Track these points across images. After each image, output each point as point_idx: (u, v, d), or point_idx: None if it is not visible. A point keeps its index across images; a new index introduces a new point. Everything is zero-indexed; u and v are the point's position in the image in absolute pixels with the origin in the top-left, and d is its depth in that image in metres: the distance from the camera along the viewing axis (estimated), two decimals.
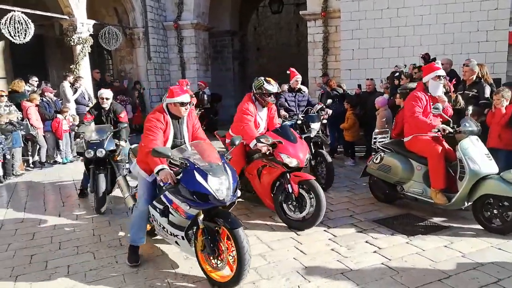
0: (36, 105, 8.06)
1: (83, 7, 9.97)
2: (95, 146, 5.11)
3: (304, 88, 7.28)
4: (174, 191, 3.14)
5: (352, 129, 7.58)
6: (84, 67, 10.05)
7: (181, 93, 3.47)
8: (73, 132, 8.81)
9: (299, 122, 6.16)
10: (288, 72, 6.91)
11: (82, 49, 9.92)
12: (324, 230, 4.33)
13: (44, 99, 8.32)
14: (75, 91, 9.20)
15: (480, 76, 5.84)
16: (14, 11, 8.11)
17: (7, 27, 7.98)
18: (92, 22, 10.26)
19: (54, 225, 4.84)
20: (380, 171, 5.00)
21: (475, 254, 3.60)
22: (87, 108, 9.26)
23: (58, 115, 8.28)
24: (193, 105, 8.81)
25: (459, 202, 4.28)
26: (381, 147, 5.20)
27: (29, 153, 8.35)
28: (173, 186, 3.12)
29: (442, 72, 4.68)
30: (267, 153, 4.36)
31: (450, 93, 5.76)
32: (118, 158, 5.64)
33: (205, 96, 11.94)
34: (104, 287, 3.30)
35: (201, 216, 3.13)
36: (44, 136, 8.17)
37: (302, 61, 16.84)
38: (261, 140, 4.27)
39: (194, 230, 3.26)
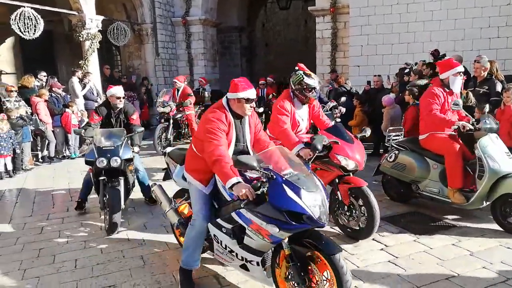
0: (45, 101, 8.12)
1: (92, 2, 10.02)
2: (108, 153, 4.32)
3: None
4: (254, 209, 2.54)
5: (360, 126, 7.53)
6: (92, 63, 10.10)
7: (247, 87, 2.91)
8: (77, 136, 8.84)
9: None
10: (296, 68, 6.80)
11: (91, 44, 9.96)
12: (331, 228, 4.31)
13: (53, 94, 8.38)
14: (83, 87, 9.26)
15: (491, 72, 5.76)
16: (24, 7, 8.16)
17: (17, 23, 8.04)
18: (101, 18, 10.30)
19: (62, 219, 4.89)
20: (394, 169, 4.84)
21: (484, 253, 3.56)
22: (96, 104, 9.35)
23: (67, 109, 8.33)
24: (190, 103, 8.73)
25: (477, 202, 4.17)
26: (395, 145, 5.01)
27: (38, 148, 8.42)
28: (251, 202, 2.53)
29: (461, 68, 4.54)
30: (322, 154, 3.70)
31: (460, 90, 5.68)
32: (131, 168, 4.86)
33: (206, 93, 11.62)
34: (111, 282, 3.33)
35: (286, 239, 2.57)
36: (53, 131, 8.24)
37: (310, 57, 16.72)
38: (317, 143, 3.44)
39: (271, 254, 2.76)
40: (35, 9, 8.37)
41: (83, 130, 4.82)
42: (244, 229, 2.67)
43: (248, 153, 3.06)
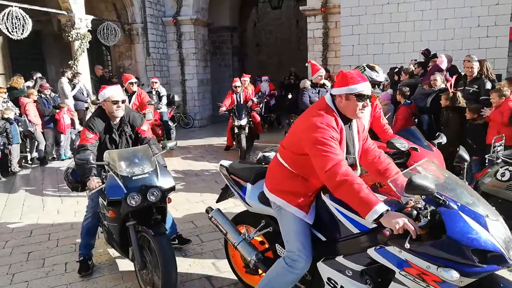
0: (34, 101, 8.02)
1: (81, 2, 9.90)
2: (141, 184, 2.92)
3: (327, 82, 6.65)
4: (415, 248, 1.85)
5: None
6: (82, 63, 9.99)
7: (360, 79, 2.28)
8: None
9: None
10: (307, 64, 6.56)
11: (81, 45, 9.85)
12: None
13: (43, 95, 8.27)
14: (73, 87, 9.15)
15: (482, 72, 5.81)
16: (12, 6, 8.04)
17: (5, 23, 7.91)
18: (91, 17, 10.19)
19: (51, 222, 4.82)
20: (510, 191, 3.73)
21: None
22: (86, 105, 9.26)
23: (57, 110, 8.23)
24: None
25: None
26: (507, 159, 3.89)
27: (28, 149, 8.31)
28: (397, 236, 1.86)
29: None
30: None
31: (449, 90, 5.72)
32: None
33: (160, 97, 9.27)
34: (101, 285, 3.28)
35: None
36: (42, 133, 8.13)
37: (302, 57, 16.74)
38: (396, 144, 3.06)
39: None
40: (23, 8, 8.25)
41: (76, 155, 3.22)
42: (389, 272, 2.00)
43: (356, 167, 2.43)
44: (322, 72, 6.05)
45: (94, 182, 3.06)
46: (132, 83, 6.82)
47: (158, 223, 3.05)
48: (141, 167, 3.02)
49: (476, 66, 5.76)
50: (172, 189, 3.08)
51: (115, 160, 3.04)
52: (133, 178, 2.93)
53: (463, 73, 6.36)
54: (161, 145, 3.48)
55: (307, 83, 6.50)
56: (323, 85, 6.16)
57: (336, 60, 11.30)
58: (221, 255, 3.69)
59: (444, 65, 6.98)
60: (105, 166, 3.07)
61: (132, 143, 3.51)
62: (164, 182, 3.00)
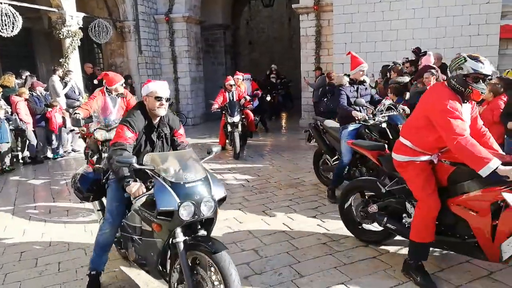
0: (26, 100, 7.93)
1: None
2: (195, 193, 2.49)
3: (367, 78, 5.65)
4: None
5: None
6: (73, 61, 9.89)
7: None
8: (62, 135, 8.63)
9: (383, 124, 4.76)
10: (347, 55, 5.57)
11: (72, 42, 9.76)
12: (318, 225, 4.33)
13: (34, 93, 8.19)
14: (65, 85, 9.07)
15: None
16: (1, 3, 7.93)
17: None
18: (82, 15, 10.10)
19: (44, 221, 4.78)
20: None
21: None
22: (77, 103, 9.17)
23: (49, 109, 8.15)
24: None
25: None
26: None
27: (19, 148, 8.23)
28: None
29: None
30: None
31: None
32: None
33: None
34: None
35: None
36: (34, 131, 8.05)
37: (294, 55, 16.78)
38: None
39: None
40: (13, 5, 8.14)
41: (122, 158, 2.58)
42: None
43: None
44: (365, 66, 5.08)
45: (138, 188, 2.60)
46: (121, 84, 5.38)
47: (208, 238, 2.55)
48: (193, 173, 2.58)
49: None
50: (224, 199, 2.71)
51: (160, 164, 2.61)
52: (186, 185, 2.48)
53: None
54: (206, 150, 3.10)
55: (344, 80, 5.35)
56: (362, 82, 5.18)
57: (329, 58, 11.34)
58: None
59: (430, 62, 7.08)
60: (148, 171, 2.57)
61: (167, 145, 3.14)
62: (217, 191, 2.62)
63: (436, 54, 7.59)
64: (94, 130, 5.02)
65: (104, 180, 3.21)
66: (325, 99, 8.92)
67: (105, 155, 4.80)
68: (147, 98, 2.95)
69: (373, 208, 3.60)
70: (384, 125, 4.77)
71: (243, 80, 9.69)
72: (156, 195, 2.46)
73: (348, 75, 5.28)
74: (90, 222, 4.65)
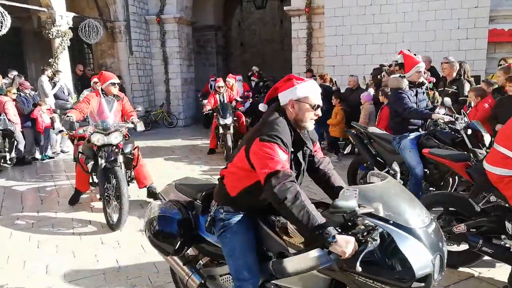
0: (13, 100, 7.83)
1: None
2: (439, 241, 1.89)
3: (425, 80, 5.00)
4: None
5: (339, 125, 7.61)
6: (63, 61, 9.79)
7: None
8: (48, 135, 8.53)
9: (468, 131, 4.06)
10: (398, 56, 5.13)
11: (61, 42, 9.66)
12: None
13: (22, 93, 8.08)
14: (53, 86, 8.97)
15: (460, 73, 5.97)
16: None
17: None
18: (72, 14, 10.01)
19: (32, 223, 4.72)
20: None
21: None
22: (68, 104, 9.07)
23: (37, 108, 8.05)
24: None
25: None
26: None
27: (6, 149, 8.10)
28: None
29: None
30: None
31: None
32: None
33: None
34: (84, 287, 3.23)
35: None
36: (22, 132, 7.95)
37: (286, 57, 16.80)
38: None
39: None
40: (2, 5, 8.04)
41: (301, 197, 1.85)
42: None
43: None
44: (422, 66, 4.45)
45: (354, 246, 1.70)
46: (113, 84, 4.89)
47: None
48: (419, 211, 1.90)
49: (454, 68, 5.89)
50: None
51: (390, 205, 1.81)
52: (425, 230, 1.82)
53: (441, 74, 6.50)
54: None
55: (404, 83, 4.50)
56: (421, 84, 4.56)
57: (320, 60, 11.39)
58: None
59: None
60: (362, 215, 1.75)
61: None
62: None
63: (425, 57, 7.66)
64: (91, 134, 4.62)
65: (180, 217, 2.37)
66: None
67: (102, 161, 4.53)
68: (294, 104, 2.09)
69: (461, 228, 3.06)
70: (468, 131, 4.06)
71: (235, 82, 9.68)
72: (401, 253, 1.70)
73: (403, 76, 4.62)
74: (80, 226, 4.61)
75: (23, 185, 6.46)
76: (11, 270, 3.56)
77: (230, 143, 7.75)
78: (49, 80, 8.95)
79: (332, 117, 7.65)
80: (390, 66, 8.24)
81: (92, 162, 4.84)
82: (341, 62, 10.60)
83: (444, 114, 4.34)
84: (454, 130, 4.22)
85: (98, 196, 4.57)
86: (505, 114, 4.70)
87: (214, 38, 16.41)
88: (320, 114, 2.14)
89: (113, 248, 3.93)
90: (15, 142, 7.90)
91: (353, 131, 5.30)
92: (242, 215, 2.18)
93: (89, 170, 4.95)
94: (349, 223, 1.80)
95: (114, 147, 4.61)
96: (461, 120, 4.16)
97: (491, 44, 9.63)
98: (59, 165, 8.04)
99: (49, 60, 9.68)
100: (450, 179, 4.28)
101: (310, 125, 2.13)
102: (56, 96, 8.99)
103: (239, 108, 8.78)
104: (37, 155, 8.38)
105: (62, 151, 8.93)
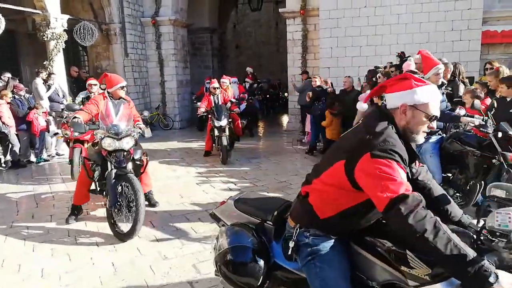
0: (8, 103, 7.79)
1: (57, 1, 9.67)
2: None
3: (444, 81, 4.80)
4: None
5: (334, 127, 7.65)
6: (58, 64, 9.76)
7: None
8: (44, 138, 8.49)
9: (499, 134, 3.79)
10: (417, 56, 4.87)
11: (56, 44, 9.63)
12: None
13: (17, 96, 8.05)
14: (48, 88, 8.94)
15: (454, 74, 6.03)
16: None
17: None
18: (67, 17, 9.98)
19: (27, 227, 4.69)
20: None
21: None
22: (62, 106, 9.05)
23: (32, 111, 8.01)
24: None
25: None
26: None
27: (1, 152, 8.06)
28: None
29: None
30: None
31: None
32: None
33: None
34: None
35: None
36: (17, 135, 7.91)
37: (281, 59, 16.86)
38: None
39: None
40: None
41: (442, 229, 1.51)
42: None
43: None
44: (441, 68, 4.30)
45: None
46: (122, 87, 4.74)
47: None
48: None
49: (448, 69, 5.94)
50: None
51: None
52: None
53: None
54: None
55: None
56: (441, 85, 4.40)
57: (315, 62, 11.44)
58: (202, 257, 3.69)
59: (411, 67, 7.20)
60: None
61: None
62: None
63: (419, 59, 7.72)
64: (101, 138, 4.32)
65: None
66: (319, 103, 8.62)
67: (112, 167, 4.28)
68: (408, 110, 1.74)
69: None
70: (499, 134, 3.83)
71: (230, 84, 9.68)
72: None
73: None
74: (75, 228, 4.59)
75: (18, 188, 6.43)
76: (6, 274, 3.54)
77: (226, 145, 7.72)
78: (43, 83, 8.92)
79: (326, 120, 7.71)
80: (385, 67, 8.30)
81: (99, 169, 4.57)
82: (336, 63, 10.65)
83: (465, 116, 4.16)
84: (483, 132, 3.92)
85: (107, 204, 4.26)
86: (499, 114, 4.78)
87: (209, 40, 16.43)
88: (435, 127, 1.85)
89: (109, 251, 3.92)
90: (10, 145, 7.87)
91: None
92: (333, 239, 1.86)
93: (94, 176, 4.62)
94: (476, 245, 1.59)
95: (126, 152, 4.36)
96: (489, 122, 3.96)
97: (485, 46, 9.72)
98: (54, 168, 8.00)
99: (44, 63, 9.64)
100: (477, 184, 4.06)
101: (420, 138, 1.78)
102: (50, 99, 8.95)
103: (234, 110, 8.69)
104: (32, 158, 8.34)
105: (57, 154, 8.89)
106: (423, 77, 4.26)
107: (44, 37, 9.54)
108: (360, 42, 10.41)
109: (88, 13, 12.27)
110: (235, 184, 6.29)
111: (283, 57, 12.61)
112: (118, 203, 4.17)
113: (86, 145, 6.72)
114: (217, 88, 8.37)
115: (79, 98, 7.26)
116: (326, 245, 1.84)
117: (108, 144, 4.28)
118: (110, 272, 3.48)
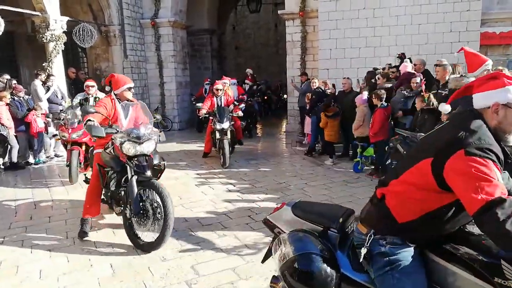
0: (7, 104, 7.78)
1: (56, 3, 9.68)
2: None
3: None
4: None
5: (330, 129, 7.64)
6: (57, 65, 9.76)
7: None
8: (43, 139, 8.48)
9: None
10: (458, 52, 4.61)
11: (55, 46, 9.63)
12: None
13: (16, 97, 8.04)
14: (47, 90, 8.93)
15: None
16: None
17: None
18: (66, 18, 9.98)
19: (25, 228, 4.68)
20: None
21: None
22: (60, 107, 9.05)
23: (31, 112, 8.01)
24: None
25: None
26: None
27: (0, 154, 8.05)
28: None
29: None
30: None
31: (422, 93, 5.90)
32: None
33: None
34: None
35: None
36: (15, 136, 7.90)
37: (280, 60, 16.88)
38: None
39: None
40: None
41: None
42: None
43: None
44: (490, 64, 4.04)
45: None
46: (129, 89, 4.45)
47: None
48: None
49: (447, 71, 5.96)
50: None
51: None
52: None
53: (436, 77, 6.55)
54: None
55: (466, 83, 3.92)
56: None
57: (314, 63, 11.44)
58: (201, 259, 3.68)
59: (408, 69, 7.25)
60: None
61: None
62: None
63: (419, 60, 7.73)
64: (122, 142, 3.95)
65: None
66: (320, 104, 8.53)
67: (133, 175, 3.94)
68: (500, 109, 1.64)
69: None
70: None
71: (230, 85, 9.63)
72: None
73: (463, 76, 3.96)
74: (74, 230, 4.58)
75: (16, 190, 6.41)
76: (4, 275, 3.53)
77: (227, 150, 7.45)
78: (42, 84, 8.91)
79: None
80: (383, 69, 8.31)
81: (115, 177, 4.23)
82: (335, 65, 10.66)
83: None
84: None
85: (127, 214, 3.94)
86: None
87: (209, 42, 16.46)
88: None
89: (107, 253, 3.91)
90: (8, 147, 7.86)
91: (398, 138, 4.44)
92: (412, 248, 1.71)
93: (109, 184, 4.25)
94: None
95: (147, 157, 4.06)
96: None
97: (483, 47, 9.73)
98: (53, 169, 8.00)
99: (43, 64, 9.64)
100: None
101: None
102: (49, 100, 8.95)
103: (237, 113, 8.13)
104: (31, 160, 8.33)
105: (56, 155, 8.89)
106: (465, 75, 4.05)
107: (43, 38, 9.54)
108: (359, 43, 10.42)
109: (87, 14, 12.28)
110: (234, 186, 6.29)
111: (282, 59, 12.63)
112: (142, 211, 3.87)
113: (83, 147, 6.65)
114: (220, 89, 8.14)
115: (76, 100, 7.24)
116: (406, 255, 1.70)
117: (128, 148, 3.94)
118: (108, 274, 3.47)
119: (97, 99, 6.86)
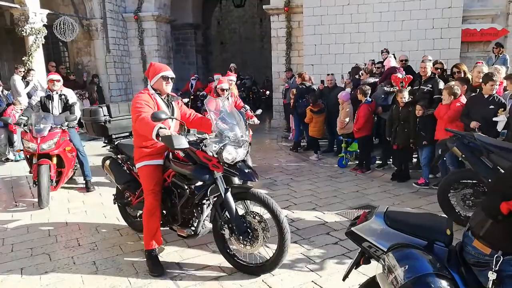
0: None
1: None
2: None
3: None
4: None
5: (315, 124, 7.68)
6: (37, 59, 9.54)
7: None
8: None
9: None
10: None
11: (35, 40, 9.41)
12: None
13: None
14: (27, 84, 8.73)
15: (435, 72, 6.19)
16: None
17: None
18: (46, 11, 9.76)
19: (6, 226, 4.59)
20: None
21: None
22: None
23: (10, 107, 7.82)
24: None
25: None
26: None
27: None
28: None
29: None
30: None
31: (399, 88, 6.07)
32: None
33: (68, 106, 5.85)
34: None
35: None
36: None
37: (266, 55, 16.85)
38: None
39: None
40: None
41: None
42: None
43: None
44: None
45: None
46: (165, 79, 3.44)
47: None
48: None
49: (429, 66, 6.10)
50: None
51: None
52: None
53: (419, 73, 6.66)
54: None
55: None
56: None
57: (299, 59, 11.46)
58: (186, 255, 3.67)
59: (391, 64, 7.36)
60: None
61: None
62: None
63: (402, 56, 7.84)
64: (222, 149, 3.04)
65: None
66: (303, 100, 8.47)
67: (226, 187, 3.15)
68: None
69: None
70: None
71: (235, 83, 7.65)
72: None
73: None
74: (56, 227, 4.51)
75: None
76: None
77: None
78: (22, 79, 8.71)
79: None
80: (365, 64, 8.41)
81: (201, 192, 3.29)
82: (319, 61, 10.70)
83: None
84: None
85: (226, 235, 3.27)
86: (475, 111, 4.90)
87: (193, 36, 16.33)
88: None
89: (91, 250, 3.86)
90: None
91: (456, 139, 4.05)
92: None
93: (178, 204, 3.39)
94: None
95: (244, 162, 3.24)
96: None
97: (464, 44, 9.91)
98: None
99: (23, 59, 9.41)
100: None
101: None
102: (29, 95, 8.74)
103: (253, 120, 5.61)
104: (11, 156, 8.14)
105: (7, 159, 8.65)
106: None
107: (22, 32, 9.31)
108: (344, 39, 10.48)
109: (68, 7, 12.02)
110: None
111: (268, 54, 12.61)
112: (246, 231, 3.15)
113: (55, 161, 5.33)
114: (227, 89, 6.05)
115: (36, 98, 5.84)
116: None
117: (228, 155, 3.05)
118: (91, 271, 3.43)
119: (62, 96, 5.73)
